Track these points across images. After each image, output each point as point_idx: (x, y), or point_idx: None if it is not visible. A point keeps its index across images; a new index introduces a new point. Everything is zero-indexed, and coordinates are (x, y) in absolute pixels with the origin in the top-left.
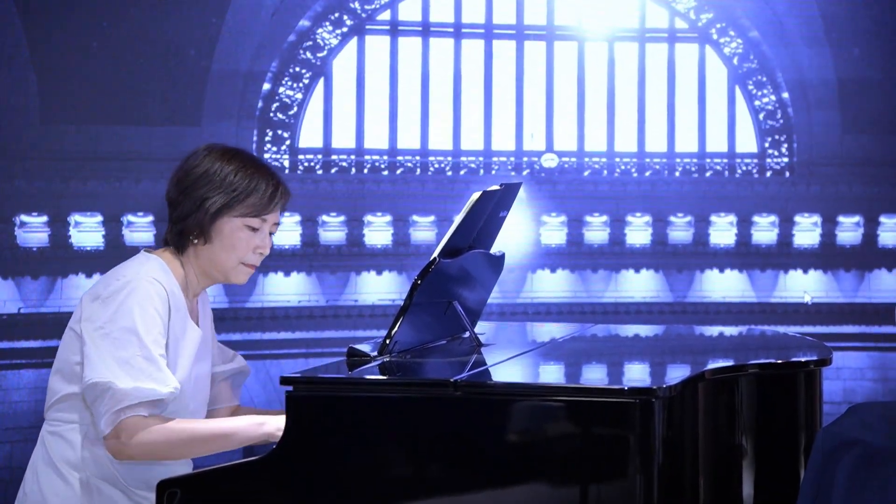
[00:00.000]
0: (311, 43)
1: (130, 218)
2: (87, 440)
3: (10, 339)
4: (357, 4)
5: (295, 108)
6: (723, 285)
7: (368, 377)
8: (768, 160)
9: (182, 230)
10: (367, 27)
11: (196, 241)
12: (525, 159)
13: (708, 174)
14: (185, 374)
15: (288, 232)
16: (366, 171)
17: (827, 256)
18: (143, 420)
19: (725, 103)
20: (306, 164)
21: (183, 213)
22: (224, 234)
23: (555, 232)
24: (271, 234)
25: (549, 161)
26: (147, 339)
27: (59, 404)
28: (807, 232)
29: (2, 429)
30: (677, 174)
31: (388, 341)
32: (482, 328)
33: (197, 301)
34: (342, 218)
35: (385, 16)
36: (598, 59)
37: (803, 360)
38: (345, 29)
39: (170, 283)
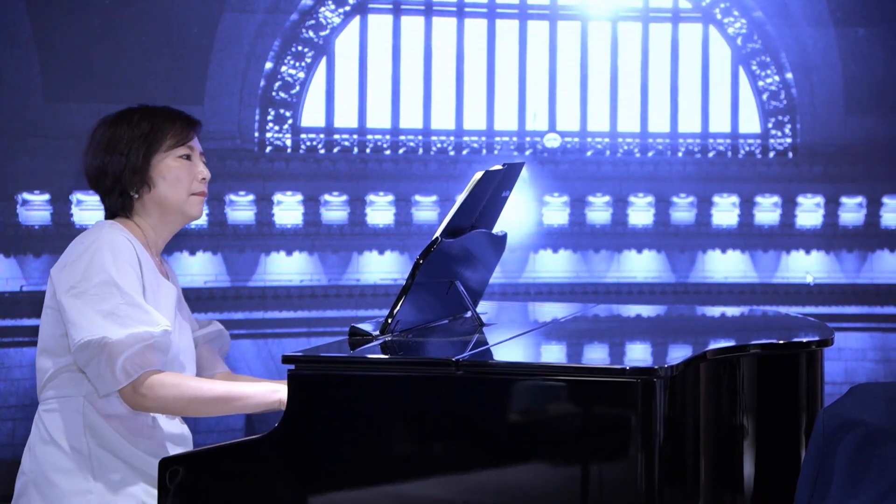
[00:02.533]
0: (313, 21)
1: None
2: (87, 410)
3: (13, 317)
4: None
5: (297, 87)
6: (725, 266)
7: (370, 356)
8: (771, 141)
9: (122, 191)
10: (370, 6)
11: (139, 194)
12: (527, 139)
13: (711, 155)
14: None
15: (290, 211)
16: (368, 150)
17: (829, 237)
18: (160, 373)
19: (729, 84)
20: (308, 143)
21: (115, 177)
22: (163, 172)
23: (557, 212)
24: (204, 164)
25: (552, 141)
26: (126, 287)
27: (51, 381)
28: (809, 213)
29: (4, 406)
30: (680, 154)
31: (389, 321)
32: (484, 308)
33: (162, 262)
34: (344, 197)
35: None
36: (602, 38)
37: (805, 340)
38: (347, 7)
39: (133, 240)
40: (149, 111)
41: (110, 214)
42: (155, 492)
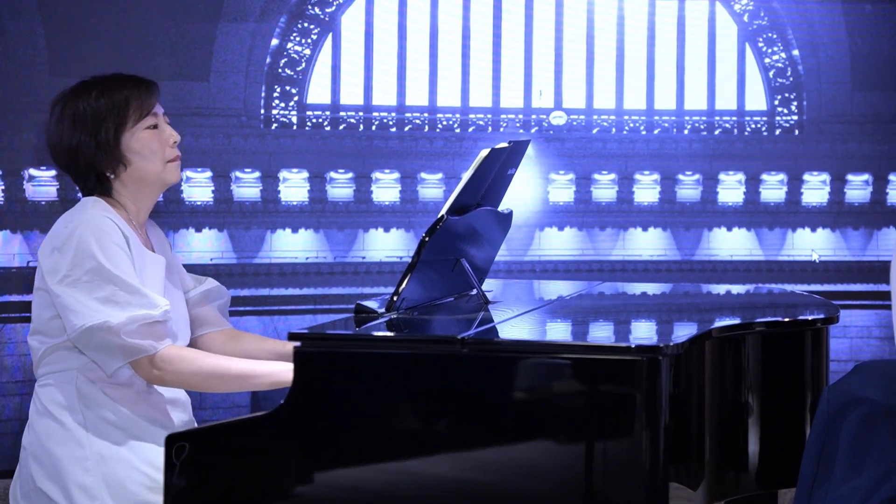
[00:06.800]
0: None
1: None
2: (80, 382)
3: (20, 292)
4: None
5: (303, 64)
6: (730, 244)
7: (376, 333)
8: (777, 118)
9: (98, 174)
10: None
11: (114, 173)
12: (533, 117)
13: (717, 132)
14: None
15: (296, 188)
16: (374, 127)
17: (835, 215)
18: (179, 349)
19: (735, 60)
20: (314, 120)
21: (88, 159)
22: (136, 148)
23: (563, 190)
24: (168, 124)
25: (558, 118)
26: (117, 272)
27: (45, 359)
28: (815, 190)
29: (12, 381)
30: (686, 132)
31: (395, 298)
32: (489, 286)
33: (146, 232)
34: (350, 175)
35: None
36: (608, 15)
37: (810, 318)
38: None
39: (117, 218)
40: (106, 84)
41: (88, 192)
42: (150, 457)
